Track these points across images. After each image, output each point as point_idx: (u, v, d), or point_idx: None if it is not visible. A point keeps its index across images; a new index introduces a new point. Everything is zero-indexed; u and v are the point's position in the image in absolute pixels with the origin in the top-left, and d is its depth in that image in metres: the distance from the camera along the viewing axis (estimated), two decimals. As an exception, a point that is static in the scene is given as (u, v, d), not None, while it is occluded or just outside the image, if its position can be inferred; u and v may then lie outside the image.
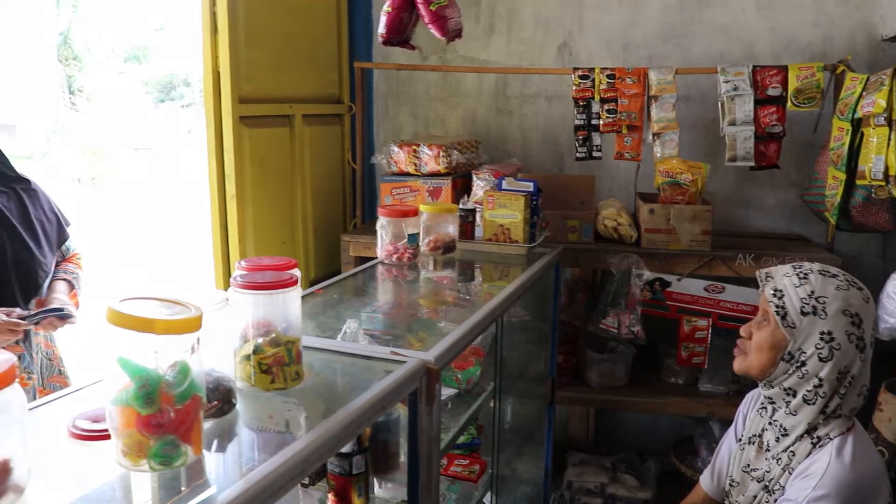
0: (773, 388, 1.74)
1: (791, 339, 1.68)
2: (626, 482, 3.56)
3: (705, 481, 2.10)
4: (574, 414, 3.99)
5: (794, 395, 1.69)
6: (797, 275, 1.71)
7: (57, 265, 2.64)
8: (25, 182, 2.58)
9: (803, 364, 1.66)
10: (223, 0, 2.99)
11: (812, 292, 1.66)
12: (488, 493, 2.58)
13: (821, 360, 1.64)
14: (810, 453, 1.67)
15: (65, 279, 2.61)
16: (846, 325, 1.64)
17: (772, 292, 1.71)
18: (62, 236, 2.68)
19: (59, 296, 2.52)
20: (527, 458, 3.19)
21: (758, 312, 1.79)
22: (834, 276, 1.70)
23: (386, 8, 3.01)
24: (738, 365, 1.81)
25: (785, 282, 1.71)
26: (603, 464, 3.69)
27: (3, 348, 2.35)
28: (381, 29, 3.03)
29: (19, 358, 2.40)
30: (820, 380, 1.65)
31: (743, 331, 1.82)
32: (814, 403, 1.66)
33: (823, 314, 1.64)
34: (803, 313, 1.66)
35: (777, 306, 1.69)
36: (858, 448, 1.65)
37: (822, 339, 1.64)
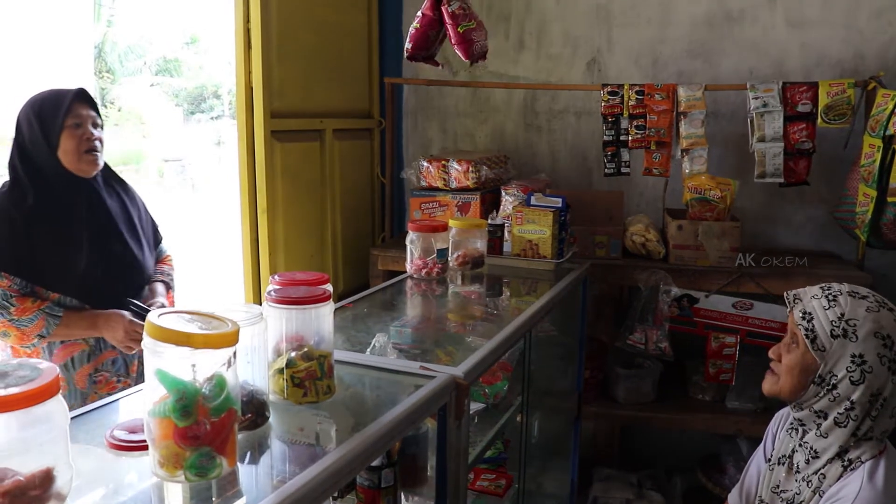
0: (803, 410, 1.72)
1: (822, 363, 1.65)
2: (651, 498, 3.54)
3: (733, 500, 2.09)
4: (600, 429, 3.99)
5: (825, 418, 1.67)
6: (826, 297, 1.68)
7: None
8: (123, 183, 2.61)
9: (834, 387, 1.64)
10: (257, 17, 3.05)
11: (842, 315, 1.64)
12: (514, 508, 2.59)
13: (852, 383, 1.62)
14: (841, 476, 1.65)
15: (162, 280, 2.65)
16: (878, 347, 1.61)
17: (801, 315, 1.69)
18: (157, 237, 2.72)
19: (160, 298, 2.56)
20: (553, 472, 3.19)
21: (787, 334, 1.77)
22: (864, 297, 1.67)
23: (415, 24, 3.06)
24: (769, 388, 1.79)
25: (814, 304, 1.69)
26: (629, 480, 3.68)
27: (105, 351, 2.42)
28: (407, 44, 3.08)
29: (112, 362, 2.44)
30: (852, 403, 1.62)
31: (772, 353, 1.80)
32: (845, 426, 1.64)
33: (854, 337, 1.62)
34: (833, 336, 1.64)
35: (806, 329, 1.67)
36: (891, 472, 1.62)
37: (853, 361, 1.62)
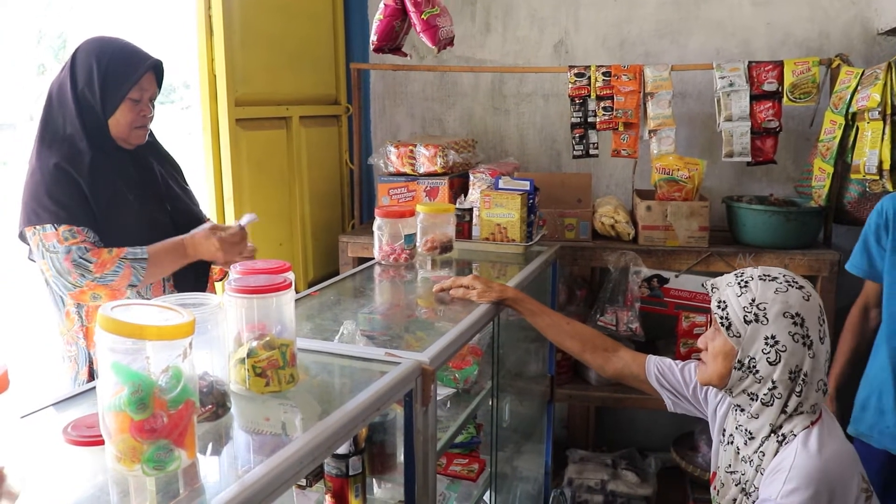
0: (734, 395, 1.77)
1: (739, 348, 1.70)
2: (626, 479, 3.56)
3: (652, 367, 2.15)
4: (575, 411, 4.00)
5: (755, 400, 1.72)
6: (738, 283, 1.72)
7: None
8: (160, 146, 2.53)
9: (755, 370, 1.69)
10: (218, 3, 3.00)
11: (753, 300, 1.68)
12: (488, 492, 2.59)
13: (770, 363, 1.66)
14: (777, 451, 1.69)
15: None
16: (788, 326, 1.65)
17: (716, 304, 1.74)
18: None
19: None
20: (527, 455, 3.20)
21: (710, 323, 1.80)
22: (774, 278, 1.71)
23: (378, 16, 3.02)
24: (701, 376, 1.84)
25: (728, 292, 1.73)
26: (603, 461, 3.70)
27: None
28: (373, 36, 3.04)
29: None
30: (773, 382, 1.67)
31: (700, 342, 1.84)
32: (771, 405, 1.69)
33: (765, 320, 1.66)
34: (746, 322, 1.68)
35: (721, 318, 1.71)
36: (824, 437, 1.66)
37: (766, 343, 1.66)
